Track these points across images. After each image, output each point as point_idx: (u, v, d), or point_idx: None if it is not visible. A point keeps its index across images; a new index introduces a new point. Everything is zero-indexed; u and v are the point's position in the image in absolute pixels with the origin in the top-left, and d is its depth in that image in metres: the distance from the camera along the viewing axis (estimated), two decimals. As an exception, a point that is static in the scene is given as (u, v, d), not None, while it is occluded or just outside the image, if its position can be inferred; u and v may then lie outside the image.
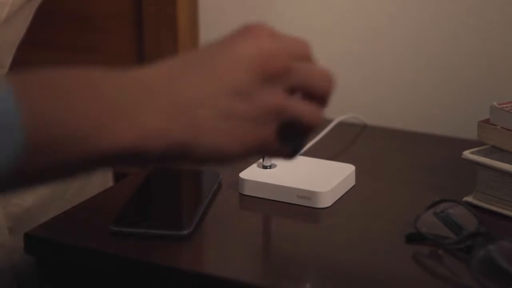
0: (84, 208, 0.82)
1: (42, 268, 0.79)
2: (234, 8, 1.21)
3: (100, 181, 1.05)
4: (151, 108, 0.52)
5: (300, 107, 0.57)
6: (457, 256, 0.71)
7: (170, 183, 0.88)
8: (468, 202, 0.80)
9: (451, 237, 0.72)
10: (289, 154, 0.60)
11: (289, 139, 0.58)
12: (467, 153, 0.81)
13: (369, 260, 0.71)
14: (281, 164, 0.87)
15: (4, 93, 0.47)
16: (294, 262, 0.72)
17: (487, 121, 0.81)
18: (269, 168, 0.86)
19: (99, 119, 0.50)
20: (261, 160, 0.87)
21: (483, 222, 0.70)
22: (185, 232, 0.74)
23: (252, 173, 0.85)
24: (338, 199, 0.83)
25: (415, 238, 0.73)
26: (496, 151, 0.80)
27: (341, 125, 1.06)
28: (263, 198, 0.83)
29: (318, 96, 0.58)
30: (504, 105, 0.80)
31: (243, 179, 0.84)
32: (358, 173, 0.87)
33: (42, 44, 1.26)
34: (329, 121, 1.03)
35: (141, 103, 0.52)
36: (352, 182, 0.87)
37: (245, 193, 0.84)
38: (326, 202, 0.81)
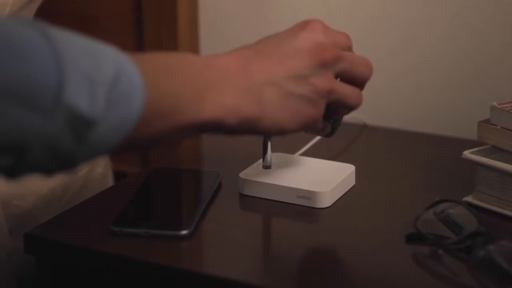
0: (84, 208, 0.82)
1: (42, 268, 0.79)
2: (234, 8, 1.22)
3: (100, 181, 1.05)
4: (228, 87, 0.61)
5: (345, 90, 0.68)
6: (457, 256, 0.71)
7: (170, 183, 0.88)
8: (468, 202, 0.80)
9: (451, 237, 0.72)
10: (329, 132, 0.75)
11: (331, 118, 0.73)
12: (467, 153, 0.81)
13: (369, 260, 0.71)
14: (281, 164, 0.87)
15: (132, 67, 0.54)
16: (294, 262, 0.72)
17: (487, 121, 0.81)
18: (269, 168, 0.86)
19: (193, 95, 0.59)
20: (261, 160, 0.87)
21: (483, 222, 0.70)
22: (185, 232, 0.74)
23: (252, 173, 0.85)
24: (338, 199, 0.83)
25: (415, 238, 0.73)
26: (496, 151, 0.80)
27: (341, 125, 1.05)
28: (263, 198, 0.83)
29: (359, 81, 0.70)
30: (504, 105, 0.80)
31: (243, 179, 0.84)
32: (358, 173, 0.87)
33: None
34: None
35: (220, 83, 0.61)
36: (352, 182, 0.87)
37: (245, 193, 0.84)
38: (326, 202, 0.81)
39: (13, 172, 0.51)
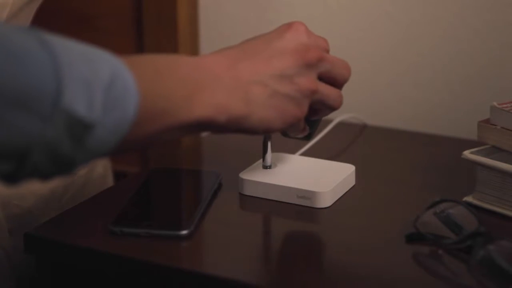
0: (84, 208, 0.82)
1: (42, 268, 0.79)
2: (234, 8, 1.22)
3: (100, 181, 1.05)
4: (217, 87, 0.62)
5: (328, 90, 0.71)
6: (457, 256, 0.71)
7: (170, 183, 0.88)
8: (468, 202, 0.80)
9: (451, 237, 0.72)
10: (307, 135, 0.78)
11: (311, 119, 0.74)
12: (467, 153, 0.81)
13: (369, 260, 0.71)
14: (281, 164, 0.87)
15: (125, 70, 0.55)
16: (294, 262, 0.72)
17: (487, 121, 0.81)
18: (269, 168, 0.86)
19: (184, 96, 0.60)
20: (261, 160, 0.87)
21: (483, 222, 0.70)
22: (185, 232, 0.74)
23: (252, 173, 0.85)
24: (338, 199, 0.83)
25: (415, 238, 0.73)
26: (496, 151, 0.80)
27: (341, 125, 1.06)
28: (263, 198, 0.83)
29: (339, 82, 0.72)
30: (504, 105, 0.80)
31: (243, 179, 0.84)
32: (358, 173, 0.87)
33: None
34: (329, 121, 1.03)
35: (209, 83, 0.62)
36: (352, 182, 0.87)
37: (245, 193, 0.84)
38: (326, 202, 0.81)
39: (13, 178, 0.52)
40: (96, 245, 0.74)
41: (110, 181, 1.08)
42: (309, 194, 0.81)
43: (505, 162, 0.78)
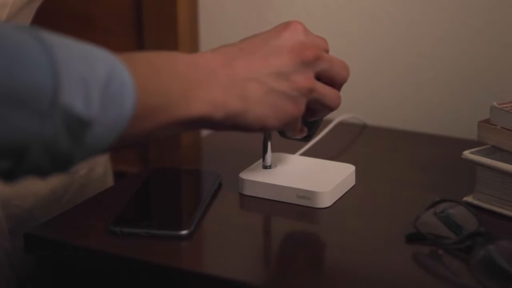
0: (84, 208, 0.82)
1: (42, 268, 0.79)
2: (234, 8, 1.22)
3: (100, 181, 1.05)
4: (214, 84, 0.62)
5: (325, 90, 0.70)
6: (457, 256, 0.71)
7: (170, 183, 0.88)
8: (468, 202, 0.80)
9: (451, 237, 0.72)
10: (307, 136, 0.78)
11: (309, 119, 0.74)
12: (467, 153, 0.81)
13: (369, 260, 0.71)
14: (281, 164, 0.87)
15: (122, 67, 0.55)
16: (294, 262, 0.72)
17: (487, 121, 0.81)
18: (269, 168, 0.86)
19: (180, 93, 0.60)
20: (261, 160, 0.87)
21: (483, 222, 0.70)
22: (185, 232, 0.74)
23: (252, 173, 0.85)
24: (338, 199, 0.83)
25: (415, 238, 0.73)
26: (496, 151, 0.80)
27: (341, 125, 1.06)
28: (263, 198, 0.83)
29: (337, 82, 0.72)
30: (504, 105, 0.80)
31: (243, 179, 0.84)
32: (358, 173, 0.87)
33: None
34: (329, 121, 1.03)
35: (206, 80, 0.62)
36: (352, 182, 0.87)
37: (245, 193, 0.84)
38: (326, 202, 0.81)
39: (11, 175, 0.52)
40: (96, 245, 0.74)
41: (110, 181, 1.08)
42: (309, 194, 0.81)
43: (505, 162, 0.78)
